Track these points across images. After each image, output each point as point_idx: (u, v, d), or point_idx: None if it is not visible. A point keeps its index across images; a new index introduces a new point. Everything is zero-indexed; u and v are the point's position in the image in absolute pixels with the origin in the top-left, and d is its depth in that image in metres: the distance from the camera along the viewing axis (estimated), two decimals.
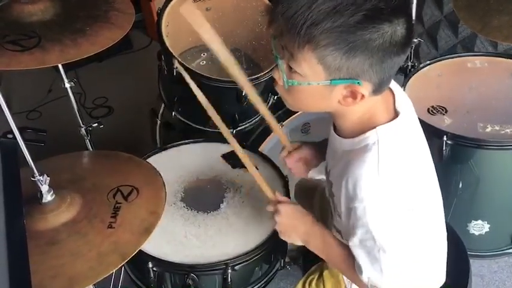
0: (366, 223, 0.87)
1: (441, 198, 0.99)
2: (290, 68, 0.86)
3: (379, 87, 0.86)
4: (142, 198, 1.14)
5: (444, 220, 1.00)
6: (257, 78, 1.58)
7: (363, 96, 0.84)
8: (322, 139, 1.20)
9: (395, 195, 0.87)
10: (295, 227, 1.09)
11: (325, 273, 1.20)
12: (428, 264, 0.96)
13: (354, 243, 0.93)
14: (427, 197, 0.96)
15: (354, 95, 0.85)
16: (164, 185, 1.18)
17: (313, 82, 0.84)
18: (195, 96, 1.67)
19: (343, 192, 0.90)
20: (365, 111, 0.91)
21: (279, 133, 1.25)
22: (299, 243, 1.09)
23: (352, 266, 0.97)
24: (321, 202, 1.44)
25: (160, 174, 1.22)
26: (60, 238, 1.05)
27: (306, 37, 0.78)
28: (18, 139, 1.03)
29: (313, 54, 0.80)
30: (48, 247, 1.03)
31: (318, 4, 0.76)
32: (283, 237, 1.11)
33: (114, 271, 1.02)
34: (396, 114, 0.92)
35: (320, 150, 1.17)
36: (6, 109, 0.99)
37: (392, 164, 0.88)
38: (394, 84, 0.96)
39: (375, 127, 0.89)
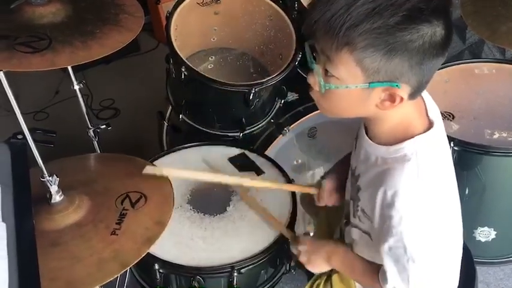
0: (400, 232, 0.88)
1: (459, 204, 0.99)
2: (326, 72, 0.84)
3: (417, 90, 0.85)
4: (149, 206, 1.14)
5: (461, 227, 1.00)
6: (265, 82, 1.58)
7: (401, 99, 0.83)
8: (337, 161, 1.22)
9: (432, 206, 0.88)
10: (316, 250, 1.12)
11: (334, 277, 1.20)
12: (447, 272, 0.96)
13: (383, 250, 0.93)
14: (454, 207, 0.96)
15: (392, 98, 0.83)
16: (173, 196, 1.17)
17: (351, 85, 0.83)
18: (202, 99, 1.68)
19: (379, 200, 0.90)
20: (401, 118, 0.90)
21: (302, 189, 1.31)
22: (326, 268, 1.12)
23: (375, 278, 0.97)
24: (327, 208, 1.44)
25: (171, 184, 1.20)
26: (63, 240, 1.05)
27: (345, 39, 0.77)
28: (28, 140, 1.03)
29: (351, 57, 0.79)
30: (51, 248, 1.03)
31: (357, 6, 0.75)
32: (309, 268, 1.13)
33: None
34: (430, 123, 0.91)
35: (340, 172, 1.18)
36: (18, 110, 1.00)
37: (431, 176, 0.88)
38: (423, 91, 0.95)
39: (412, 136, 0.88)
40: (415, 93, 0.85)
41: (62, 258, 1.01)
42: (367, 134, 0.97)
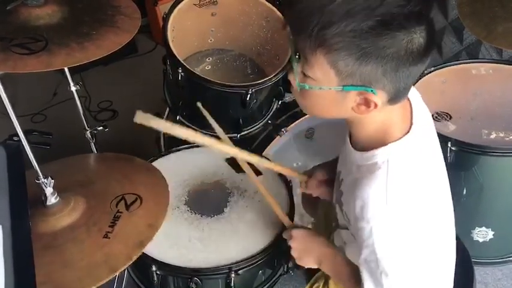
0: (372, 244, 0.87)
1: (452, 208, 0.98)
2: (304, 72, 0.85)
3: (394, 97, 0.84)
4: (144, 208, 1.13)
5: (454, 232, 0.99)
6: (262, 83, 1.58)
7: (375, 105, 0.82)
8: (332, 158, 1.20)
9: (403, 219, 0.86)
10: (309, 250, 1.11)
11: (332, 280, 1.19)
12: (436, 280, 0.95)
13: (360, 261, 0.92)
14: (438, 214, 0.94)
15: (367, 102, 0.83)
16: (168, 198, 1.16)
17: (324, 87, 0.83)
18: (199, 100, 1.68)
19: (352, 210, 0.89)
20: (381, 122, 0.89)
21: (288, 172, 1.26)
22: (315, 266, 1.10)
23: (358, 286, 0.96)
24: (326, 209, 1.44)
25: (167, 186, 1.19)
26: (56, 243, 1.04)
27: (318, 40, 0.77)
28: (23, 142, 1.03)
29: (325, 59, 0.79)
30: (44, 251, 1.02)
31: (332, 8, 0.75)
32: (300, 263, 1.12)
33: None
34: (410, 127, 0.90)
35: (334, 167, 1.16)
36: (12, 112, 0.99)
37: (401, 186, 0.86)
38: (412, 93, 0.93)
39: (386, 143, 0.87)
40: (393, 100, 0.84)
41: (53, 262, 1.00)
42: (350, 139, 0.97)
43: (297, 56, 0.86)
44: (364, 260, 0.90)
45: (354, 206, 0.88)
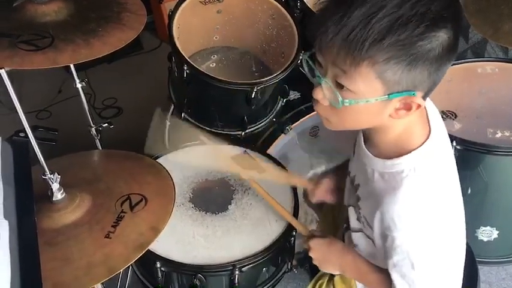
0: (406, 251, 0.88)
1: (463, 208, 0.98)
2: (339, 85, 0.79)
3: (427, 95, 0.83)
4: (147, 210, 1.11)
5: (465, 231, 0.99)
6: (267, 80, 1.58)
7: (418, 106, 0.80)
8: (340, 163, 1.21)
9: (434, 220, 0.87)
10: (328, 259, 1.12)
11: (337, 278, 1.19)
12: (452, 276, 0.96)
13: (389, 264, 0.92)
14: (457, 213, 0.95)
15: (407, 106, 0.81)
16: (174, 202, 1.15)
17: (371, 99, 0.79)
18: (204, 98, 1.68)
19: (378, 220, 0.89)
20: (406, 126, 0.87)
21: (299, 182, 1.28)
22: (337, 272, 1.12)
23: None
24: (331, 207, 1.43)
25: (174, 188, 1.18)
26: (58, 240, 1.04)
27: (368, 54, 0.73)
28: (30, 137, 1.04)
29: (372, 70, 0.75)
30: (45, 247, 1.01)
31: (378, 19, 0.71)
32: (323, 270, 1.14)
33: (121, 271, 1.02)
34: (430, 130, 0.89)
35: (340, 175, 1.17)
36: (20, 108, 1.00)
37: (430, 190, 0.86)
38: None
39: (410, 151, 0.86)
40: (424, 98, 0.83)
41: (54, 259, 1.00)
42: (365, 143, 0.95)
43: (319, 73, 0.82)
44: (395, 264, 0.91)
45: (382, 215, 0.88)
